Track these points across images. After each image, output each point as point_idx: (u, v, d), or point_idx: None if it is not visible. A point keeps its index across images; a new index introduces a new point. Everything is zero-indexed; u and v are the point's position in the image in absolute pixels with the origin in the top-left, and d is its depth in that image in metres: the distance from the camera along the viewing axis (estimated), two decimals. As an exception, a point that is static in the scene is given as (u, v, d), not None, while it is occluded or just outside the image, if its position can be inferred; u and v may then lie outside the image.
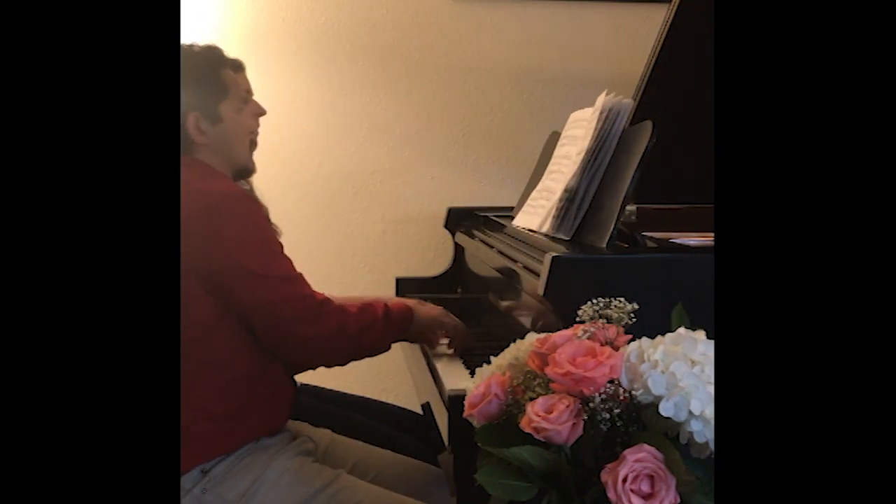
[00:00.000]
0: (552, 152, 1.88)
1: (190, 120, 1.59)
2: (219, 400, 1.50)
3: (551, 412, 0.99)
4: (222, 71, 1.64)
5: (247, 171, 1.71)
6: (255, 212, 1.55)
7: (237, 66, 1.67)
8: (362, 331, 1.58)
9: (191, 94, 1.58)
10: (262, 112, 1.70)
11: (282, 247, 1.57)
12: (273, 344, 1.55)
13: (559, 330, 1.09)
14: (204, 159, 1.62)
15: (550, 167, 1.83)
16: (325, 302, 1.56)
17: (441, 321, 1.74)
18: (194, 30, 2.42)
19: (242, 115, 1.66)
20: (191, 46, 1.63)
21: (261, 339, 1.54)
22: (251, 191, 1.87)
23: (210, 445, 1.49)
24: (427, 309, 1.75)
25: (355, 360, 1.63)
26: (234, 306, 1.51)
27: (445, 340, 1.78)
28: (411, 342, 1.83)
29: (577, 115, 1.85)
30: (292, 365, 1.64)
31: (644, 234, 1.61)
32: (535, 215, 1.74)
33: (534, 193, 1.87)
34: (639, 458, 0.95)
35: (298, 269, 1.58)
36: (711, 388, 0.97)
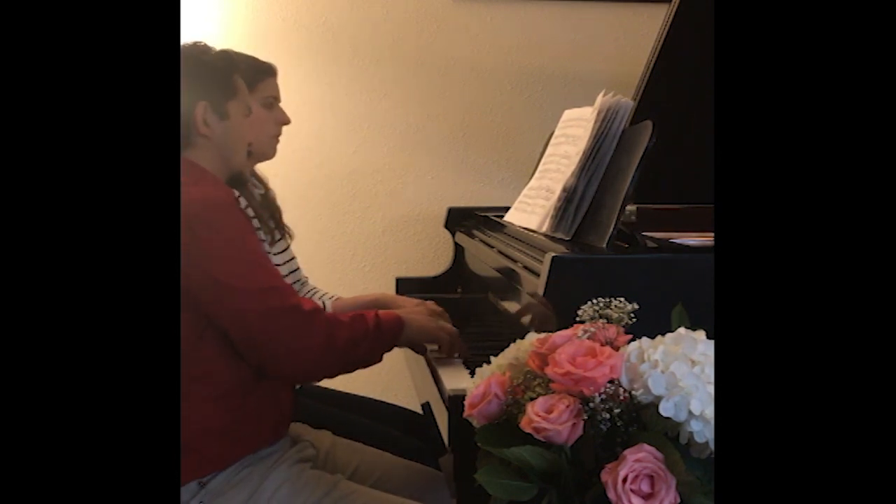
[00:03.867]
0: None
1: (199, 110, 1.54)
2: (211, 414, 1.45)
3: (551, 412, 0.99)
4: (234, 75, 1.61)
5: (241, 178, 1.66)
6: (234, 221, 1.47)
7: (264, 72, 1.64)
8: (352, 343, 1.50)
9: (203, 86, 1.56)
10: (286, 121, 1.68)
11: (266, 257, 1.51)
12: (256, 358, 1.48)
13: (559, 330, 1.09)
14: (200, 157, 1.56)
15: (548, 166, 1.83)
16: (313, 313, 1.48)
17: (432, 334, 1.68)
18: (195, 30, 2.42)
19: (245, 121, 1.63)
20: (207, 47, 1.61)
21: (243, 354, 1.47)
22: (267, 194, 1.86)
23: (206, 460, 1.45)
24: (419, 321, 1.67)
25: (344, 372, 1.56)
26: (214, 320, 1.44)
27: (435, 347, 1.74)
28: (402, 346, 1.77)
29: (571, 114, 1.85)
30: (279, 378, 1.56)
31: (644, 234, 1.61)
32: (535, 214, 1.74)
33: (530, 192, 1.88)
34: (639, 458, 0.95)
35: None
36: (711, 388, 0.97)
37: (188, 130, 1.55)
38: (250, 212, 1.81)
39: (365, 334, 1.52)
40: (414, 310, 1.77)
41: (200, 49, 1.61)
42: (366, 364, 1.56)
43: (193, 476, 1.44)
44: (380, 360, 1.58)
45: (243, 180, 1.68)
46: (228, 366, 1.47)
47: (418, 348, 1.73)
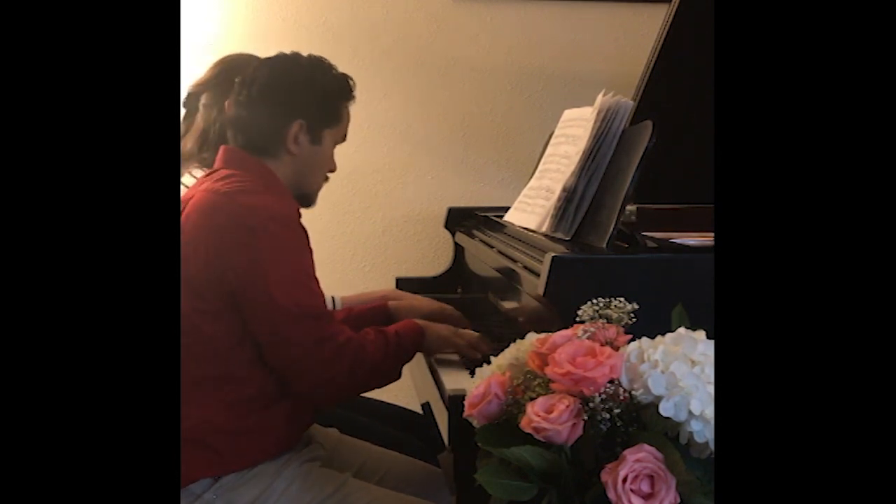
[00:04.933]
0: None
1: (294, 127, 1.56)
2: (234, 417, 1.47)
3: (551, 412, 0.99)
4: (344, 103, 1.63)
5: (310, 200, 1.66)
6: (297, 240, 1.48)
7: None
8: (374, 370, 1.52)
9: (308, 106, 1.57)
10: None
11: (316, 282, 1.50)
12: (283, 377, 1.49)
13: (559, 330, 1.09)
14: (278, 169, 1.57)
15: (548, 166, 1.83)
16: (345, 344, 1.48)
17: (451, 344, 1.68)
18: (195, 30, 2.42)
19: (332, 151, 1.65)
20: (330, 67, 1.62)
21: (273, 369, 1.49)
22: None
23: (223, 459, 1.46)
24: (438, 332, 1.67)
25: (365, 392, 1.58)
26: (252, 331, 1.46)
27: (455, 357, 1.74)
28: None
29: (571, 114, 1.85)
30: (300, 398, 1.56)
31: (644, 234, 1.61)
32: (535, 214, 1.74)
33: (530, 192, 1.88)
34: (639, 458, 0.95)
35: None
36: (711, 388, 0.97)
37: (277, 142, 1.57)
38: None
39: (385, 357, 1.54)
40: (433, 311, 1.79)
41: (324, 67, 1.61)
42: (385, 383, 1.59)
43: (207, 473, 1.46)
44: (399, 376, 1.60)
45: (310, 202, 1.67)
46: (259, 374, 1.48)
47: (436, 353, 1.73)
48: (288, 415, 1.53)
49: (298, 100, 1.57)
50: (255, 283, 1.42)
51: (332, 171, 1.68)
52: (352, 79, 1.64)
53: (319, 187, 1.67)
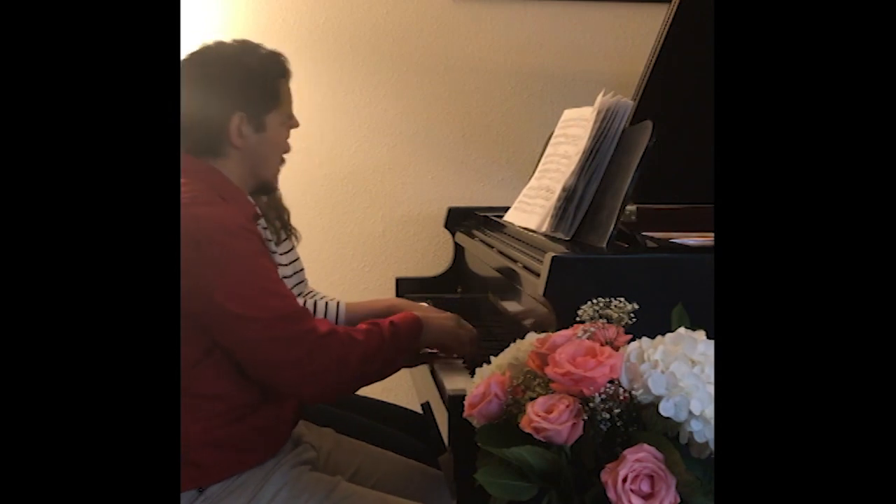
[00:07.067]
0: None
1: (234, 121, 1.51)
2: (214, 429, 1.44)
3: (551, 412, 0.99)
4: (280, 81, 1.57)
5: (269, 187, 1.64)
6: (249, 246, 1.43)
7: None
8: (365, 359, 1.47)
9: (242, 95, 1.52)
10: (296, 125, 1.64)
11: (279, 283, 1.47)
12: (270, 382, 1.46)
13: (559, 330, 1.09)
14: (228, 166, 1.53)
15: (548, 166, 1.83)
16: (328, 335, 1.44)
17: (453, 335, 1.64)
18: (195, 30, 2.42)
19: (284, 130, 1.60)
20: (257, 47, 1.56)
21: (257, 379, 1.45)
22: (274, 195, 1.83)
23: (206, 472, 1.44)
24: (439, 321, 1.63)
25: (364, 385, 1.53)
26: (224, 346, 1.42)
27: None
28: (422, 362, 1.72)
29: (571, 114, 1.85)
30: (295, 399, 1.54)
31: (644, 234, 1.61)
32: (534, 214, 1.74)
33: (529, 192, 1.88)
34: (639, 458, 0.95)
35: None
36: (711, 388, 0.97)
37: (221, 140, 1.52)
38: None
39: (379, 347, 1.49)
40: (431, 312, 1.73)
41: (248, 50, 1.56)
42: (383, 375, 1.54)
43: (191, 485, 1.43)
44: (399, 368, 1.56)
45: (271, 188, 1.65)
46: (234, 386, 1.45)
47: (426, 358, 1.69)
48: (267, 424, 1.51)
49: (231, 91, 1.51)
50: (211, 302, 1.37)
51: (286, 152, 1.63)
52: (282, 54, 1.58)
53: (277, 173, 1.63)
